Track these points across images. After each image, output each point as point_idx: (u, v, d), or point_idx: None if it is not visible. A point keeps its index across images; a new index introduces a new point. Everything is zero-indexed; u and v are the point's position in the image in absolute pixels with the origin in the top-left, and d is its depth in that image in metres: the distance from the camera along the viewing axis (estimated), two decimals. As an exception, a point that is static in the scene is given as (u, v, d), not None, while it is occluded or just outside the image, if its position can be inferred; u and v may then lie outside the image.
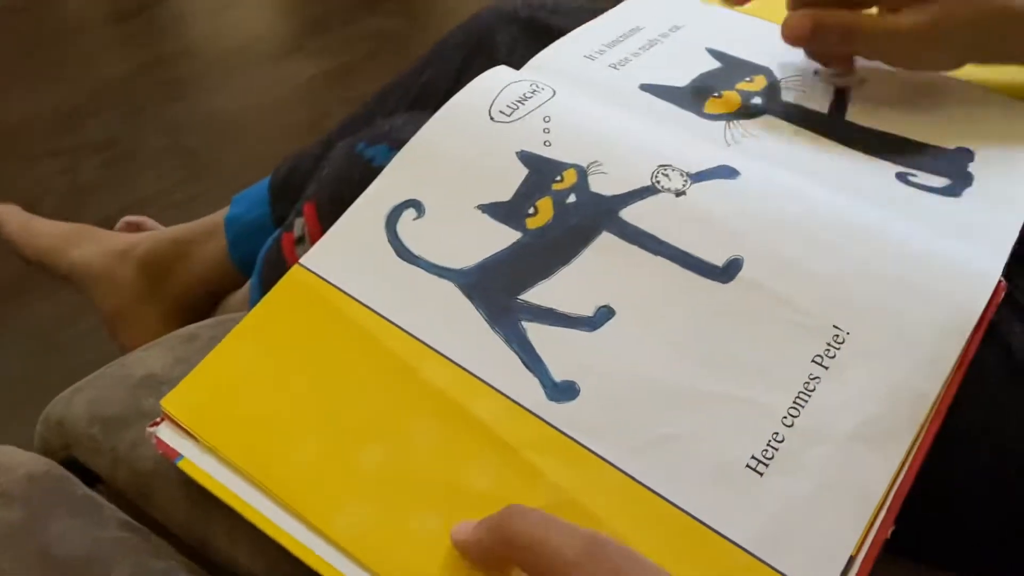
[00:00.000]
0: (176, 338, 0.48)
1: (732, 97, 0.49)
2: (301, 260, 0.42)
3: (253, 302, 0.59)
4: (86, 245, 0.82)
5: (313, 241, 0.52)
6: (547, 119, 0.45)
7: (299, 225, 0.54)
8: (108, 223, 0.92)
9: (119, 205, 1.28)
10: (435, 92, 0.63)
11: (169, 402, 0.38)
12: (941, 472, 0.36)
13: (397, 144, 0.47)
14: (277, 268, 0.54)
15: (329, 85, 1.62)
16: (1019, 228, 0.42)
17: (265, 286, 0.56)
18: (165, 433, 0.38)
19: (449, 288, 0.40)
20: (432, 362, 0.38)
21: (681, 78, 0.51)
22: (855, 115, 0.48)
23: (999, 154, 0.46)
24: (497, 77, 0.48)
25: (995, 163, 0.45)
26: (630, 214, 0.41)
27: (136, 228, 0.92)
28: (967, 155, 0.46)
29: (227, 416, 0.38)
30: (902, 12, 0.45)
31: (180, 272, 0.78)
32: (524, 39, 0.62)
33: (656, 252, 0.40)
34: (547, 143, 0.44)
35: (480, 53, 0.63)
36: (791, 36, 0.47)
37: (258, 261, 0.59)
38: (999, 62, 0.48)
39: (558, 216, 0.42)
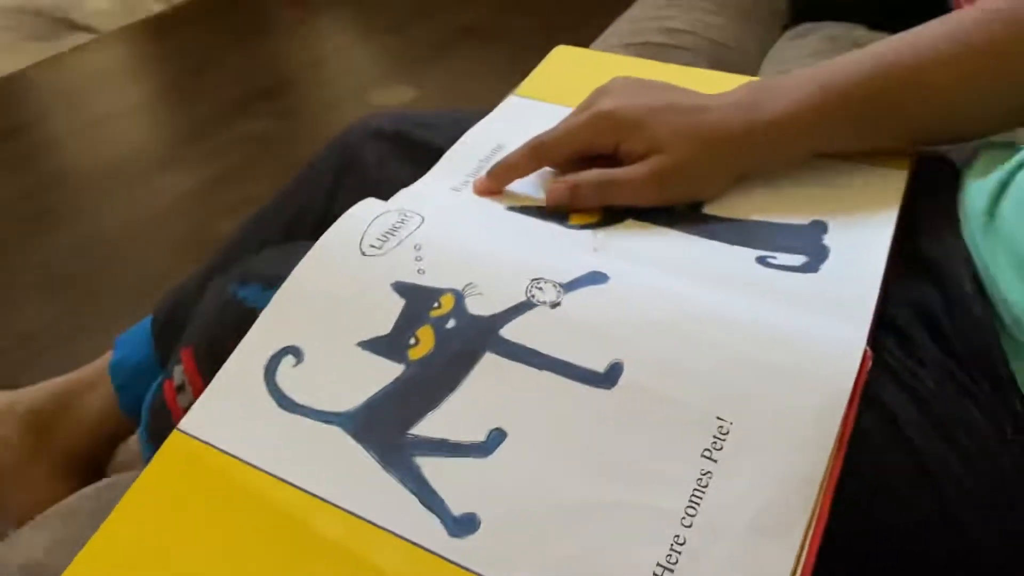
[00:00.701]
0: (56, 516, 0.45)
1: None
2: (180, 425, 0.41)
3: (144, 454, 0.56)
4: None
5: (194, 390, 0.50)
6: (418, 247, 0.45)
7: (179, 372, 0.52)
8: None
9: (-3, 349, 1.22)
10: (308, 215, 0.63)
11: (52, 600, 0.36)
12: (839, 546, 0.37)
13: (270, 282, 0.46)
14: (162, 419, 0.52)
15: (208, 194, 1.60)
16: (877, 293, 0.44)
17: (152, 437, 0.54)
18: None
19: (337, 433, 0.40)
20: (326, 515, 0.37)
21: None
22: (711, 207, 0.50)
23: (850, 221, 0.48)
24: (365, 210, 0.48)
25: (848, 232, 0.48)
26: (510, 331, 0.42)
27: None
28: (821, 228, 0.48)
29: None
30: (648, 158, 0.49)
31: (68, 425, 0.74)
32: (392, 154, 0.62)
33: (539, 367, 0.41)
34: (421, 271, 0.44)
35: (350, 172, 0.63)
36: (554, 202, 0.51)
37: (143, 411, 0.57)
38: (775, 168, 0.51)
39: (440, 343, 0.42)
